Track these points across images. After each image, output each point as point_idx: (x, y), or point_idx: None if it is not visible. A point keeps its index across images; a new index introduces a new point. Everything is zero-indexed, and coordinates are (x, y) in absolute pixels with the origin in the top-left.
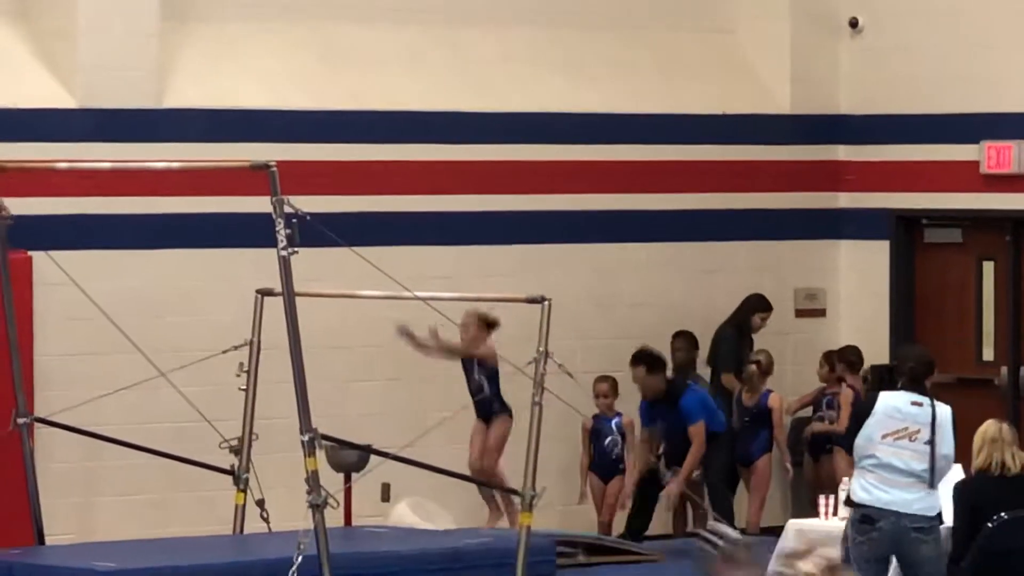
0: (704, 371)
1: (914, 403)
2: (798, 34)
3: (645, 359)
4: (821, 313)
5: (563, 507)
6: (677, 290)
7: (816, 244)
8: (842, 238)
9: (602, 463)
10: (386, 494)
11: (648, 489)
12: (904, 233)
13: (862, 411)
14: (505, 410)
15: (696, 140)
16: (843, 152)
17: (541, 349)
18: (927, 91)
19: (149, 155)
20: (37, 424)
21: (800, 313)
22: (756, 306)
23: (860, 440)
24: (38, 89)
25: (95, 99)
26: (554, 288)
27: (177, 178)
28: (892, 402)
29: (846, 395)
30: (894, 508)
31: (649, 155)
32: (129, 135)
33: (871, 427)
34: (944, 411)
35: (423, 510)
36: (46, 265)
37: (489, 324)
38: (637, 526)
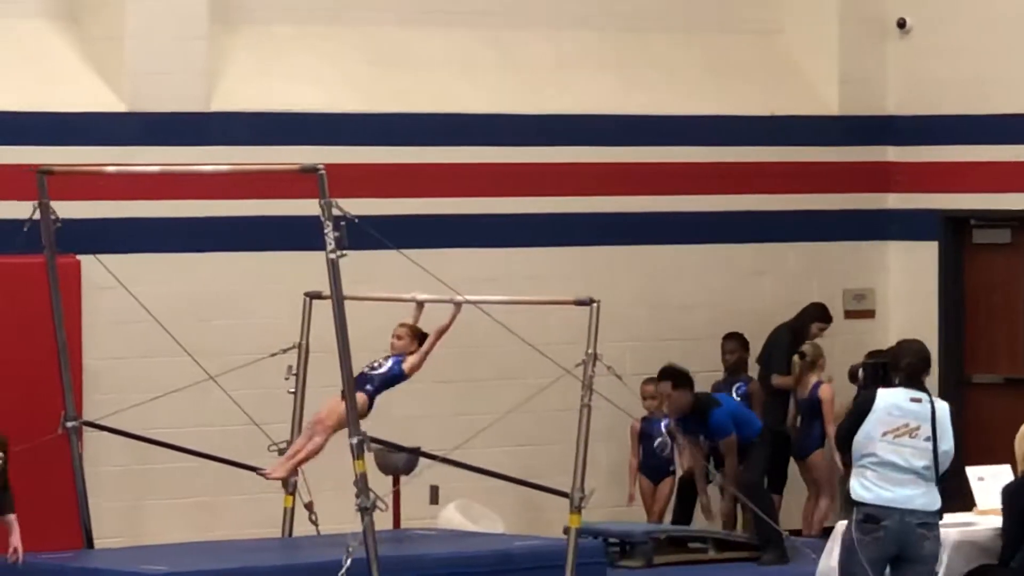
0: (754, 371)
1: (913, 399)
2: (846, 35)
3: (671, 375)
4: (870, 314)
5: (612, 508)
6: (726, 291)
7: (865, 245)
8: (891, 239)
9: (651, 464)
10: (435, 497)
11: (688, 490)
12: (953, 234)
13: (860, 409)
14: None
15: (745, 142)
16: (891, 153)
17: (590, 351)
18: (975, 91)
19: (197, 159)
20: (86, 428)
21: (849, 314)
22: (815, 315)
23: (860, 438)
24: (87, 93)
25: (143, 103)
26: (603, 290)
27: (226, 181)
28: (891, 399)
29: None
30: (896, 505)
31: (698, 157)
32: (177, 139)
33: (871, 424)
34: (943, 407)
35: (472, 512)
36: (95, 269)
37: (422, 336)
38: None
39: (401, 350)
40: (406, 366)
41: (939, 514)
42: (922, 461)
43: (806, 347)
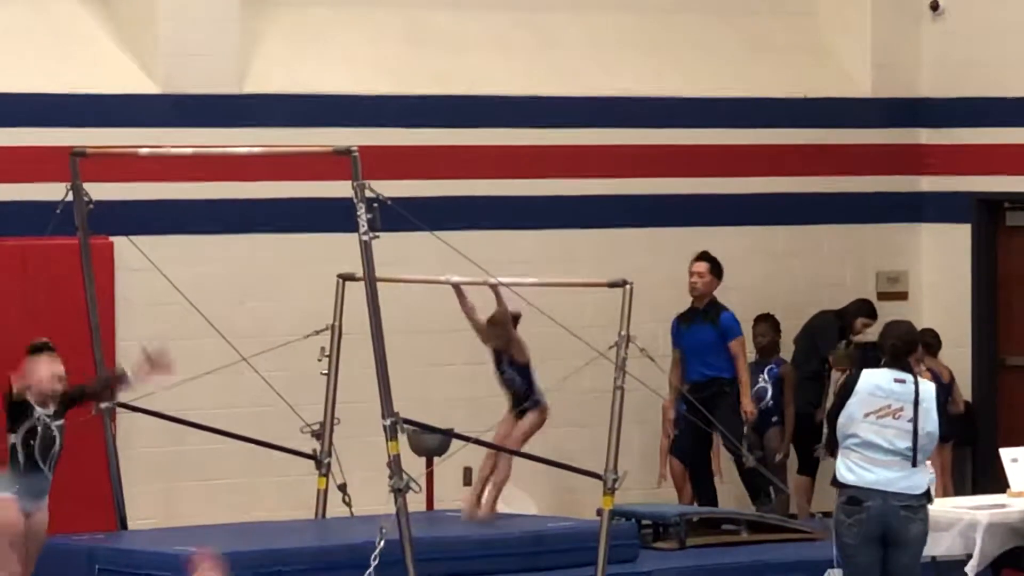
0: (786, 353)
1: (897, 380)
2: (879, 17)
3: (712, 258)
4: (903, 296)
5: (645, 490)
6: (759, 274)
7: (898, 228)
8: (924, 221)
9: (682, 446)
10: (468, 478)
11: (700, 461)
12: (986, 216)
13: (844, 390)
14: (538, 405)
15: (777, 124)
16: (925, 135)
17: (623, 333)
18: (1009, 74)
19: (230, 140)
20: (119, 409)
21: (882, 296)
22: (862, 310)
23: (842, 419)
24: (120, 75)
25: (176, 84)
26: (635, 272)
27: (259, 163)
28: (874, 380)
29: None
30: (879, 488)
31: (731, 139)
32: (211, 120)
33: (853, 406)
34: (927, 388)
35: (504, 494)
36: (128, 250)
37: (513, 318)
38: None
39: (505, 347)
40: (520, 359)
41: (925, 496)
42: (905, 442)
43: (858, 337)
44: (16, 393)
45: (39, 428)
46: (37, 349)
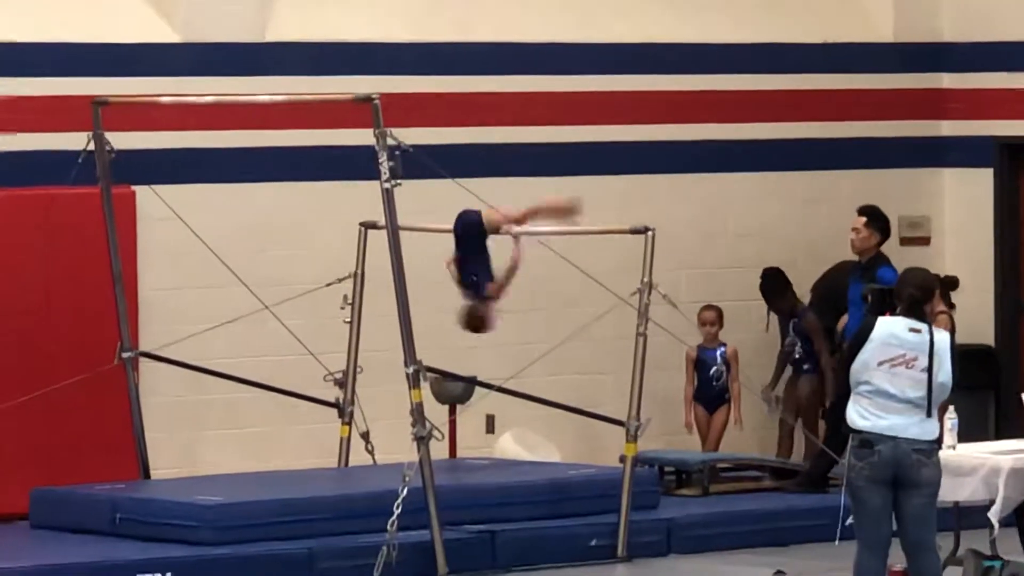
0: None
1: (912, 330)
2: None
3: (870, 211)
4: (925, 241)
5: (668, 437)
6: (780, 220)
7: (920, 172)
8: (946, 166)
9: (707, 393)
10: (491, 426)
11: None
12: (1008, 160)
13: (859, 337)
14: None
15: (799, 69)
16: (947, 80)
17: (645, 280)
18: None
19: (252, 89)
20: (142, 358)
21: (904, 241)
22: None
23: (856, 365)
24: (141, 24)
25: (198, 33)
26: (658, 218)
27: (280, 111)
28: (889, 328)
29: (943, 322)
30: (891, 433)
31: (752, 85)
32: (232, 69)
33: (868, 353)
34: (942, 338)
35: (528, 441)
36: (150, 200)
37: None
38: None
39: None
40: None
41: (936, 443)
42: (917, 392)
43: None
44: None
45: None
46: None
